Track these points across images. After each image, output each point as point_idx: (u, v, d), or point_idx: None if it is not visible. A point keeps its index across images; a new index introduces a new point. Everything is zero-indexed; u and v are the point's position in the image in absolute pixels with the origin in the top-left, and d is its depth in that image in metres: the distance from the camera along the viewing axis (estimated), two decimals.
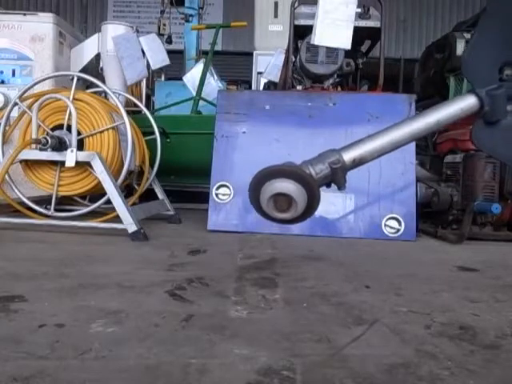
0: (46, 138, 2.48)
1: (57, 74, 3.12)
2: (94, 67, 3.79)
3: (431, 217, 3.18)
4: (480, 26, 1.27)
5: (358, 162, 1.22)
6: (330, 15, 3.05)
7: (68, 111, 2.57)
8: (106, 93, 3.24)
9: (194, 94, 4.34)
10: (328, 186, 1.22)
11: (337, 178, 1.18)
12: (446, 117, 1.20)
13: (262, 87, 5.30)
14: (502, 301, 1.51)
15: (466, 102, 1.18)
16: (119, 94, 3.25)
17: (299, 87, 3.56)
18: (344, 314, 1.31)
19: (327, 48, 3.29)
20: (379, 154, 1.25)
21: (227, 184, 2.87)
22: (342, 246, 2.51)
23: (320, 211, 2.82)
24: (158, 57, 3.73)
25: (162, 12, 7.10)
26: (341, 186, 1.21)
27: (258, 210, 1.22)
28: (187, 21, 6.36)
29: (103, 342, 1.03)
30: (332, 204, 2.82)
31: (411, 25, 11.74)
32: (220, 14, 11.31)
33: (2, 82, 3.29)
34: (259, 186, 1.15)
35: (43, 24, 3.31)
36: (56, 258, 1.93)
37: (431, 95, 3.83)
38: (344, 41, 3.06)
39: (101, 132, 2.64)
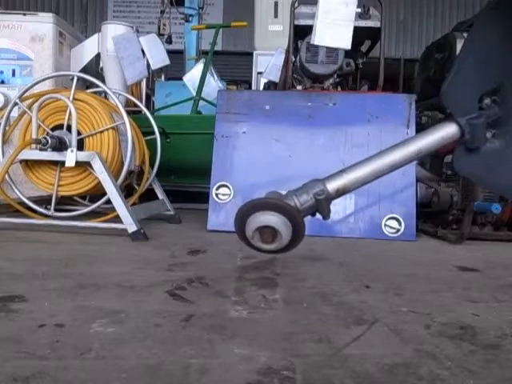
0: (46, 138, 2.48)
1: (57, 74, 3.12)
2: (94, 67, 3.79)
3: (431, 217, 3.17)
4: (459, 59, 1.30)
5: (341, 192, 1.25)
6: (329, 15, 3.05)
7: (68, 111, 2.57)
8: (105, 93, 3.24)
9: (194, 94, 4.34)
10: (313, 215, 1.23)
11: (321, 208, 1.20)
12: (428, 145, 1.23)
13: (262, 87, 5.30)
14: (502, 301, 1.51)
15: (447, 131, 1.22)
16: (119, 94, 3.25)
17: (299, 87, 3.56)
18: (344, 314, 1.30)
19: (327, 48, 3.29)
20: (362, 184, 1.27)
21: (227, 184, 2.87)
22: (342, 246, 2.50)
23: None
24: (158, 57, 3.73)
25: (162, 12, 7.10)
26: (325, 216, 1.22)
27: (244, 241, 1.21)
28: (187, 21, 6.36)
29: (103, 342, 1.03)
30: (332, 204, 2.82)
31: (411, 25, 11.74)
32: (220, 14, 11.31)
33: (2, 82, 3.29)
34: (244, 219, 1.15)
35: (43, 24, 3.31)
36: (56, 257, 1.93)
37: (431, 95, 3.82)
38: (344, 41, 3.07)
39: (101, 132, 2.64)
